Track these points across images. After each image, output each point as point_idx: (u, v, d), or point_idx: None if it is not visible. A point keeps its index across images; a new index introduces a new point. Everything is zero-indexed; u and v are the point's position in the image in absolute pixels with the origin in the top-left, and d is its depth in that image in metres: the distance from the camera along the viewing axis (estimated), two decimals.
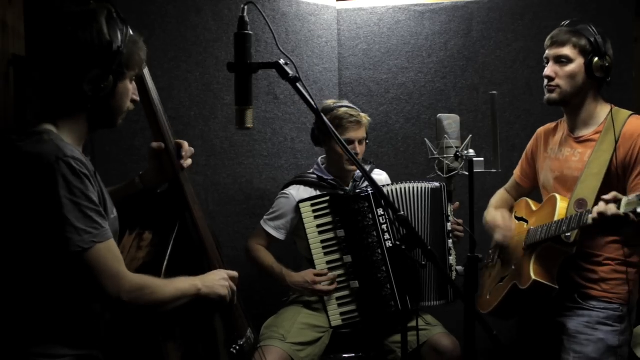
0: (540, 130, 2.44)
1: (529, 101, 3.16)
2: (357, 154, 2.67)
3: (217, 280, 1.75)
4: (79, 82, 1.47)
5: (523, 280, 2.16)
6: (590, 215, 1.93)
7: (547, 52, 2.24)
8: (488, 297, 2.42)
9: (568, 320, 2.19)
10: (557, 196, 2.19)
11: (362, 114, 2.72)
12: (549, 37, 2.24)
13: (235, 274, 1.83)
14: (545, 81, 2.23)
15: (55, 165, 1.40)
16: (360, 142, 2.70)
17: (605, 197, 1.88)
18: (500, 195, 2.59)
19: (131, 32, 1.55)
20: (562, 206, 2.15)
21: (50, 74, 1.50)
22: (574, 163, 2.20)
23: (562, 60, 2.18)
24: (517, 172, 2.53)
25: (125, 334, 1.64)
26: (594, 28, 2.17)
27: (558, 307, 2.22)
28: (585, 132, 2.22)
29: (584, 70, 2.15)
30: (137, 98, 1.65)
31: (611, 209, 1.84)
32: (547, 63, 2.24)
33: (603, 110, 2.20)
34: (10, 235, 1.46)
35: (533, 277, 2.10)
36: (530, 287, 2.11)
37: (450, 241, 2.60)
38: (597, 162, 2.11)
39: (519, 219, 2.41)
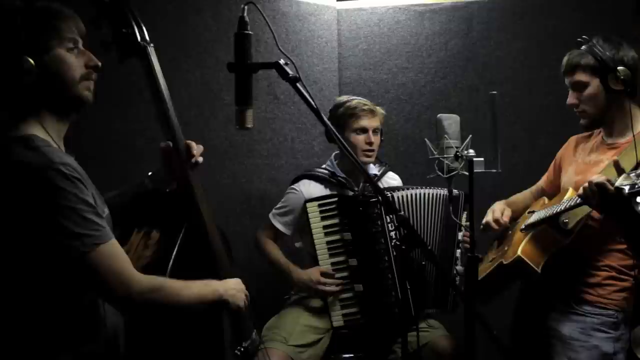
0: (573, 137, 2.40)
1: (529, 101, 3.16)
2: (371, 143, 2.65)
3: (239, 291, 1.74)
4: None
5: (508, 256, 2.13)
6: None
7: (565, 80, 2.20)
8: None
9: (562, 325, 2.15)
10: (570, 188, 2.15)
11: (377, 107, 2.72)
12: (562, 65, 2.19)
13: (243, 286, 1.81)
14: (574, 108, 2.20)
15: (46, 175, 1.38)
16: (374, 132, 2.66)
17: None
18: (520, 194, 2.54)
19: (42, 6, 1.48)
20: (569, 196, 2.11)
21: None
22: (601, 167, 2.12)
23: (578, 87, 2.15)
24: (544, 177, 2.49)
25: (130, 335, 1.63)
26: (600, 41, 2.10)
27: (552, 311, 2.19)
28: (620, 140, 2.15)
29: (603, 89, 2.09)
30: (95, 62, 1.53)
31: (599, 178, 1.78)
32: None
33: None
34: (10, 244, 1.43)
35: (519, 253, 2.06)
36: (512, 262, 2.07)
37: (458, 251, 2.58)
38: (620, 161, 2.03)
39: (530, 212, 2.38)
